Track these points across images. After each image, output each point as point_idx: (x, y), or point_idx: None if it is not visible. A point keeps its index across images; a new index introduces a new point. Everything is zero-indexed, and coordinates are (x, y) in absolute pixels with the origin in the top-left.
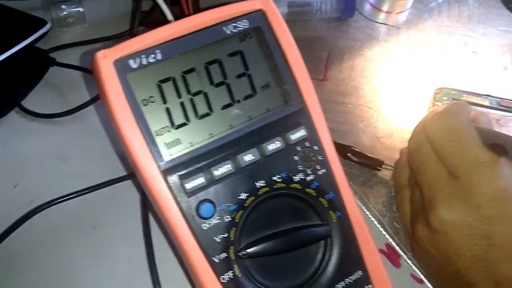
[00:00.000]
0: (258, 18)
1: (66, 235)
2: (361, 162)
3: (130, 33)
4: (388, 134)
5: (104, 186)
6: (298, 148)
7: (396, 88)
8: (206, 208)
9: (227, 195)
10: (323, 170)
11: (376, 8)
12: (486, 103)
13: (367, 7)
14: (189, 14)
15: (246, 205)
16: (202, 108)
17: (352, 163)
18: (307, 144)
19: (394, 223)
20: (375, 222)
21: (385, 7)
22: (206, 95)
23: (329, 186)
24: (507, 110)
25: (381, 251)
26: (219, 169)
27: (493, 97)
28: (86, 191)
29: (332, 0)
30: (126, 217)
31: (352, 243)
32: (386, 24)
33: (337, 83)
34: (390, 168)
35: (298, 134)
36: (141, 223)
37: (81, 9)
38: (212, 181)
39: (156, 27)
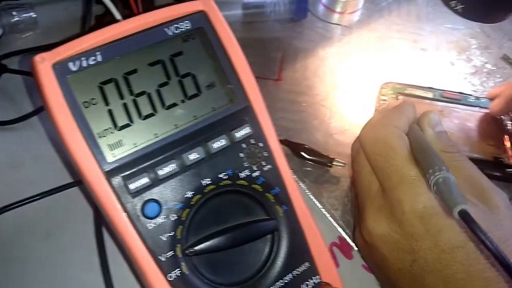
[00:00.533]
0: (200, 19)
1: (19, 241)
2: (314, 159)
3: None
4: (341, 130)
5: (57, 191)
6: (244, 146)
7: (348, 86)
8: (151, 208)
9: (173, 194)
10: (269, 166)
11: (329, 9)
12: (430, 95)
13: (321, 8)
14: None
15: (192, 203)
16: (145, 109)
17: (306, 160)
18: (252, 141)
19: (346, 216)
20: (328, 216)
21: (337, 8)
22: (149, 96)
23: (275, 181)
24: (450, 101)
25: (334, 243)
26: (164, 168)
27: (436, 89)
28: (38, 197)
29: (285, 2)
30: (79, 223)
31: (299, 235)
32: (339, 24)
33: (292, 83)
34: (341, 164)
35: (243, 132)
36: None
37: (33, 15)
38: (157, 181)
39: None
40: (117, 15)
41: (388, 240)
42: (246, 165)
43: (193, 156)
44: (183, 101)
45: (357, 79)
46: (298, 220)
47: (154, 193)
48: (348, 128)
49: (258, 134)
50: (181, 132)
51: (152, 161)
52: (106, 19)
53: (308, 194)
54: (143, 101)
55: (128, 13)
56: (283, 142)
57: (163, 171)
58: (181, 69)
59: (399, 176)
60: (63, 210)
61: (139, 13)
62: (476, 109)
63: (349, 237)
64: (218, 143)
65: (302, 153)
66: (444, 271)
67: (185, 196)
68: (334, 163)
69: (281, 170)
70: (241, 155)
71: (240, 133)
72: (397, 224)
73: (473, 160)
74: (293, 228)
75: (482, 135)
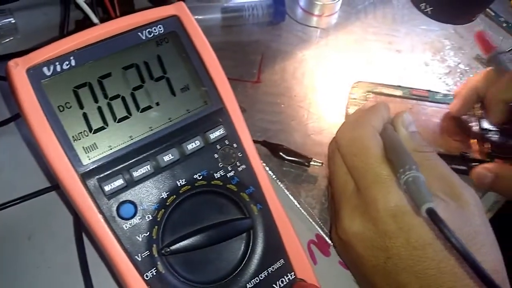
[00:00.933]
0: (173, 23)
1: (0, 245)
2: (292, 159)
3: None
4: (318, 131)
5: (36, 195)
6: (218, 146)
7: (325, 87)
8: (126, 209)
9: (148, 195)
10: (243, 166)
11: (307, 12)
12: (399, 93)
13: (299, 12)
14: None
15: (167, 203)
16: (120, 112)
17: (284, 160)
18: (227, 142)
19: (324, 215)
20: (306, 215)
21: (315, 11)
22: (124, 99)
23: (249, 180)
24: (418, 98)
25: (312, 241)
26: (139, 170)
27: (405, 87)
28: (18, 201)
29: (263, 5)
30: (60, 226)
31: (273, 233)
32: (317, 27)
33: (270, 85)
34: (318, 164)
35: (217, 133)
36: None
37: (12, 20)
38: (132, 182)
39: None
40: (95, 19)
41: (363, 238)
42: (220, 166)
43: (167, 157)
44: (157, 104)
45: (334, 81)
46: (273, 218)
47: (129, 195)
48: (325, 129)
49: (232, 135)
50: (156, 134)
51: (127, 163)
52: (86, 24)
53: (287, 194)
54: (117, 104)
55: (107, 18)
56: (262, 143)
57: (138, 172)
58: (155, 72)
59: (373, 175)
60: (43, 214)
61: (116, 17)
62: (444, 105)
63: (327, 235)
64: (193, 145)
65: (281, 154)
66: (416, 267)
67: (160, 197)
68: (312, 162)
69: (255, 170)
70: (216, 156)
71: (214, 134)
72: (371, 222)
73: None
74: (268, 226)
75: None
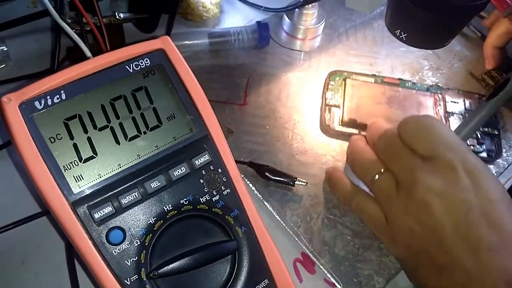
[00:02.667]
0: (159, 56)
1: None
2: (277, 179)
3: (51, 70)
4: (302, 151)
5: (28, 221)
6: (203, 172)
7: (309, 109)
8: (115, 235)
9: (136, 221)
10: (228, 190)
11: (291, 36)
12: (372, 80)
13: (283, 35)
14: (107, 51)
15: (155, 228)
16: (109, 142)
17: (270, 181)
18: (211, 167)
19: (308, 233)
20: (291, 233)
21: (299, 35)
22: (112, 129)
23: (234, 204)
24: (389, 84)
25: (297, 259)
26: (127, 197)
27: (378, 75)
28: (11, 226)
29: (248, 31)
30: (52, 250)
31: (258, 254)
32: (300, 51)
33: (256, 107)
34: (302, 183)
35: (202, 159)
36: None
37: (4, 48)
38: (120, 209)
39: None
40: (88, 53)
41: (445, 195)
42: (206, 191)
43: (155, 184)
44: (145, 132)
45: (317, 102)
46: (257, 239)
47: (118, 221)
48: (309, 149)
49: (216, 160)
50: (144, 161)
51: (116, 190)
52: (77, 52)
53: (273, 213)
54: (106, 134)
55: (97, 46)
56: (249, 164)
57: (126, 199)
58: (142, 102)
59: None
60: (36, 238)
61: (107, 51)
62: (413, 91)
63: (312, 253)
64: (179, 171)
65: (267, 174)
66: (494, 219)
67: (148, 222)
68: (297, 182)
69: (239, 193)
70: (201, 181)
71: (200, 161)
72: (452, 180)
73: None
74: (253, 247)
75: (416, 111)
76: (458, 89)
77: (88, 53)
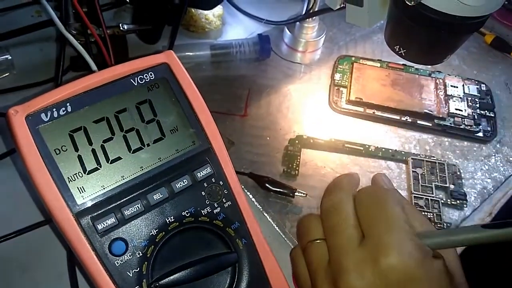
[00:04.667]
0: (163, 70)
1: None
2: (277, 191)
3: (55, 80)
4: (302, 163)
5: (31, 229)
6: (205, 184)
7: (308, 120)
8: (118, 246)
9: (138, 232)
10: (229, 203)
11: (292, 48)
12: (378, 65)
13: (284, 48)
14: (112, 64)
15: (157, 240)
16: (113, 154)
17: (270, 192)
18: (213, 180)
19: None
20: (291, 245)
21: (299, 48)
22: (116, 141)
23: (235, 216)
24: (394, 68)
25: None
26: (130, 208)
27: (383, 61)
28: (13, 235)
29: (250, 43)
30: (54, 259)
31: (258, 266)
32: (301, 63)
33: (257, 118)
34: (302, 194)
35: (204, 172)
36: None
37: (8, 57)
38: (123, 220)
39: (83, 71)
40: (92, 65)
41: None
42: (207, 203)
43: (157, 196)
44: (148, 145)
45: (317, 114)
46: (257, 251)
47: (120, 232)
48: (309, 161)
49: (218, 173)
50: (146, 173)
51: (119, 202)
52: (80, 61)
53: (273, 224)
54: (110, 146)
55: (101, 57)
56: (249, 175)
57: (129, 211)
58: (146, 115)
59: (390, 223)
60: (37, 247)
61: (111, 64)
62: (416, 76)
63: None
64: (181, 183)
65: (267, 185)
66: None
67: (150, 234)
68: (296, 193)
69: (240, 206)
70: (203, 193)
71: (202, 173)
72: (380, 275)
73: (410, 112)
74: (253, 259)
75: (418, 93)
76: (458, 75)
77: (93, 65)
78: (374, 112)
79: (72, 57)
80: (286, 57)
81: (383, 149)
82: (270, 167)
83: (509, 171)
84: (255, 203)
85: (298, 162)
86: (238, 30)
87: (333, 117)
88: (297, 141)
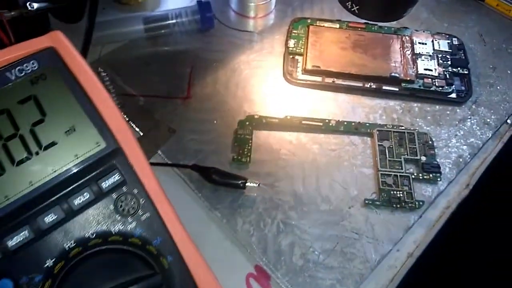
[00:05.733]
0: (49, 56)
1: None
2: (226, 182)
3: None
4: (255, 147)
5: None
6: (114, 196)
7: (261, 97)
8: (3, 286)
9: (30, 265)
10: (147, 214)
11: (240, 14)
12: (337, 26)
13: (231, 14)
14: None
15: (55, 272)
16: None
17: (218, 185)
18: (124, 189)
19: (262, 242)
20: (243, 244)
21: (249, 13)
22: None
23: (156, 230)
24: (354, 29)
25: (250, 274)
26: (15, 237)
27: (343, 21)
28: None
29: (188, 12)
30: None
31: (189, 285)
32: (251, 31)
33: (201, 100)
34: (254, 184)
35: (111, 180)
36: None
37: None
38: (7, 253)
39: None
40: None
41: None
42: (118, 218)
43: (50, 218)
44: (37, 153)
45: (271, 89)
46: (187, 268)
47: (5, 268)
48: (262, 144)
49: (131, 179)
50: (36, 190)
51: (0, 230)
52: None
53: (223, 223)
54: None
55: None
56: (192, 167)
57: (14, 241)
58: (31, 116)
59: None
60: None
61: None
62: (380, 34)
63: (266, 265)
64: (81, 198)
65: (214, 177)
66: None
67: (45, 265)
68: (248, 183)
69: (163, 216)
70: (111, 207)
71: (108, 182)
72: None
73: (374, 77)
74: (182, 278)
75: (382, 55)
76: (427, 30)
77: None
78: (333, 81)
79: None
80: (233, 26)
81: (345, 123)
82: (218, 155)
83: (487, 134)
84: (201, 199)
85: (249, 147)
86: None
87: (288, 90)
88: (247, 123)
